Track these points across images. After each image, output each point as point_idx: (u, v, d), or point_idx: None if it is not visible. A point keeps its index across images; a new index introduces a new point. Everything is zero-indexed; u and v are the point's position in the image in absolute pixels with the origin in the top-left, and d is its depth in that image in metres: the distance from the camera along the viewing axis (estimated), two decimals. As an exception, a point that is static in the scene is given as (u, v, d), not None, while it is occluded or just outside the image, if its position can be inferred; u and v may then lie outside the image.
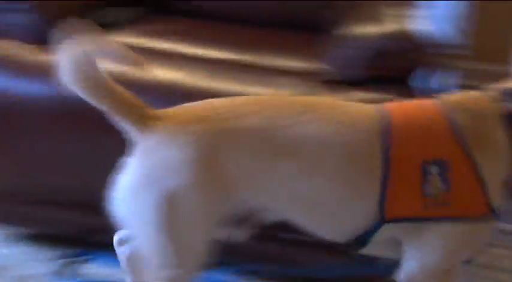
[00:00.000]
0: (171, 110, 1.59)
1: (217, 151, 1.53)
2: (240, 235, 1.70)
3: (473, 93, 1.64)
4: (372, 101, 1.67)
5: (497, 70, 3.34)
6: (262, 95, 1.68)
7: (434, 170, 1.56)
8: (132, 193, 1.54)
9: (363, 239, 1.63)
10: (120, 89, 1.54)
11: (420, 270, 1.63)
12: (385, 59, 2.00)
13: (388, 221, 1.57)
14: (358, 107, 1.63)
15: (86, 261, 2.20)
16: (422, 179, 1.55)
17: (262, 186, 1.56)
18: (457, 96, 1.64)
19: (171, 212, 1.53)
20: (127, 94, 1.55)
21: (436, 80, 2.17)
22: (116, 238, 1.78)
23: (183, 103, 1.60)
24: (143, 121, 1.54)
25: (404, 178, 1.56)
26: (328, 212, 1.60)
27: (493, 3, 3.18)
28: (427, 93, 2.09)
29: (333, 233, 1.65)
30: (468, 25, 2.39)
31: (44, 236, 2.25)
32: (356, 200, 1.58)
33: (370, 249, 1.67)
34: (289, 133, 1.54)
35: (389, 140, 1.56)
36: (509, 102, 1.59)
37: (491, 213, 1.57)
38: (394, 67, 1.98)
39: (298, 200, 1.58)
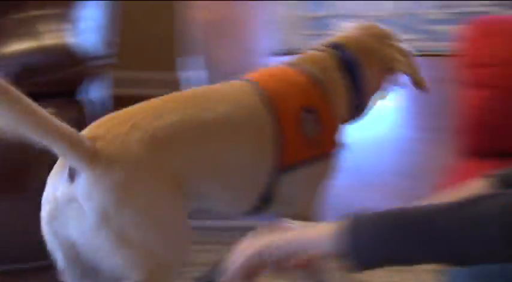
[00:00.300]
0: (99, 134, 1.59)
1: (164, 155, 1.62)
2: None
3: (310, 52, 1.95)
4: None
5: (141, 76, 3.44)
6: (164, 96, 1.77)
7: (309, 116, 1.83)
8: (108, 223, 1.55)
9: (267, 198, 1.82)
10: (57, 123, 1.49)
11: (305, 206, 1.90)
12: (41, 74, 1.97)
13: (285, 170, 1.80)
14: (234, 86, 1.84)
15: None
16: (302, 126, 1.81)
17: (201, 170, 1.69)
18: (301, 56, 1.93)
19: (155, 226, 1.60)
20: (66, 129, 1.51)
21: (95, 90, 2.19)
22: None
23: None
24: (86, 157, 1.53)
25: (291, 129, 1.80)
26: (244, 178, 1.78)
27: (136, 13, 3.26)
28: (92, 104, 2.10)
29: (248, 199, 1.82)
30: (113, 35, 2.44)
31: None
32: (261, 160, 1.78)
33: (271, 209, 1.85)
34: (205, 118, 1.70)
35: (270, 101, 1.80)
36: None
37: (339, 148, 1.90)
38: (54, 81, 1.96)
39: (223, 173, 1.74)
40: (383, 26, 2.02)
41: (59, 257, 1.62)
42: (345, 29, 2.00)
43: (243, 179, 1.78)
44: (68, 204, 1.56)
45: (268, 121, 1.78)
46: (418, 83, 2.00)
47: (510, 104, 1.87)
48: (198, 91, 1.80)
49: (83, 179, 1.53)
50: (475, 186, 1.49)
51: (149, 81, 3.33)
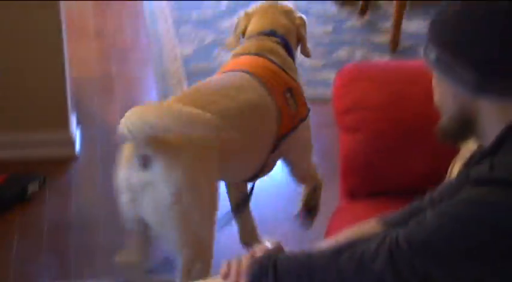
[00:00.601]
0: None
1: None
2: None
3: (259, 42, 2.36)
4: None
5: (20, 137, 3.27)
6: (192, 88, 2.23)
7: (288, 94, 2.29)
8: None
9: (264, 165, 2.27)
10: None
11: (307, 167, 2.46)
12: None
13: (281, 139, 2.26)
14: (237, 76, 2.25)
15: None
16: (287, 104, 2.26)
17: (236, 146, 2.11)
18: (254, 46, 2.36)
19: (210, 207, 2.01)
20: None
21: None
22: None
23: None
24: (160, 147, 1.90)
25: (283, 107, 2.25)
26: (260, 148, 2.23)
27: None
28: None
29: (257, 166, 2.27)
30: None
31: None
32: (270, 132, 2.23)
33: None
34: (235, 105, 2.13)
35: (267, 86, 2.23)
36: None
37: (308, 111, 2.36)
38: None
39: (249, 146, 2.18)
40: (282, 3, 2.52)
41: (134, 228, 2.03)
42: (262, 11, 2.45)
43: (260, 149, 2.24)
44: (145, 188, 1.91)
45: (271, 103, 2.22)
46: (304, 47, 2.49)
47: (382, 145, 1.95)
48: (214, 84, 2.23)
49: (158, 166, 1.89)
50: (366, 227, 1.56)
51: (28, 143, 3.21)
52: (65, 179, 3.07)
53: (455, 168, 1.77)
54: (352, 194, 2.02)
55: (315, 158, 3.02)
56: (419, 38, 4.25)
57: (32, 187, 2.92)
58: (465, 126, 1.38)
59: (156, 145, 1.89)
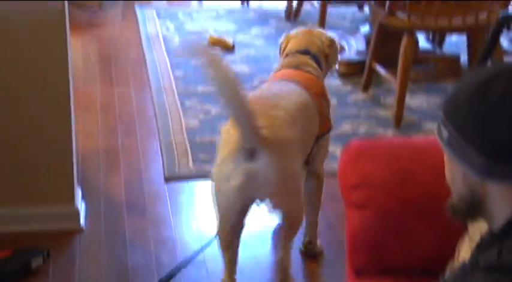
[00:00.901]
0: (261, 125, 2.37)
1: (296, 133, 2.55)
2: None
3: (298, 56, 2.88)
4: None
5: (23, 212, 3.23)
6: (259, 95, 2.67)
7: (324, 102, 2.79)
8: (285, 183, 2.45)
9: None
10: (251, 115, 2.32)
11: (321, 164, 2.90)
12: None
13: (319, 138, 2.77)
14: (289, 85, 2.73)
15: None
16: (322, 109, 2.77)
17: (300, 139, 2.59)
18: (292, 61, 2.87)
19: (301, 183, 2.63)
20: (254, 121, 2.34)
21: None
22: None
23: None
24: (264, 141, 2.36)
25: (321, 112, 2.75)
26: (308, 143, 2.72)
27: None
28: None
29: (303, 160, 2.70)
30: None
31: None
32: (315, 131, 2.74)
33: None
34: (298, 106, 2.64)
35: (310, 93, 2.73)
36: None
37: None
38: None
39: (305, 140, 2.66)
40: (315, 28, 3.13)
41: (230, 214, 2.48)
42: (299, 34, 2.97)
43: (308, 144, 2.70)
44: (252, 176, 2.36)
45: (314, 106, 2.71)
46: (331, 64, 2.98)
47: (390, 223, 1.94)
48: (273, 89, 2.68)
49: (263, 157, 2.35)
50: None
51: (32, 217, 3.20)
52: (69, 252, 3.05)
53: (463, 248, 1.76)
54: (359, 271, 2.00)
55: (321, 232, 3.02)
56: (422, 113, 4.28)
57: (36, 261, 2.89)
58: (474, 208, 1.38)
59: (260, 139, 2.33)
